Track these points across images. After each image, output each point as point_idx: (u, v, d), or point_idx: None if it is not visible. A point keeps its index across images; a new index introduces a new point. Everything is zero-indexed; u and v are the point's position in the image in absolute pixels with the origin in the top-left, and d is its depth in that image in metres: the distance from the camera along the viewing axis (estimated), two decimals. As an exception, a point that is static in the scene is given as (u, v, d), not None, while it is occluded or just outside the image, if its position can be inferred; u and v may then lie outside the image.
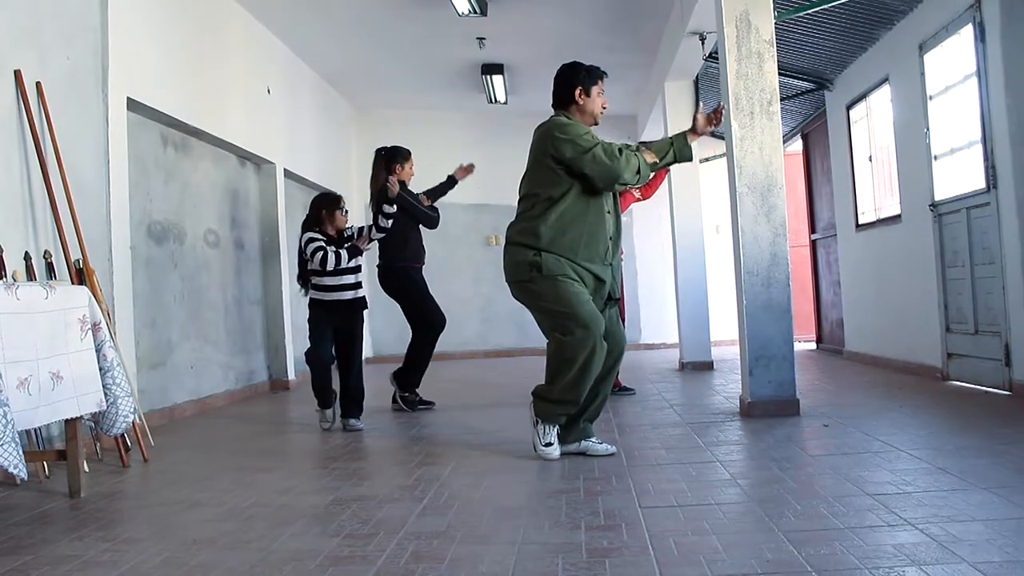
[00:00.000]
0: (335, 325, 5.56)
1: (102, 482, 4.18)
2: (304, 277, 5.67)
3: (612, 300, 4.30)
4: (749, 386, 5.31)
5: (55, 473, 4.27)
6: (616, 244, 4.29)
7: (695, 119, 4.37)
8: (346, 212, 5.66)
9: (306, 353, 5.65)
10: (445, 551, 2.76)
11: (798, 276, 9.61)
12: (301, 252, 5.61)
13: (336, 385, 5.62)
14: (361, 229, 5.64)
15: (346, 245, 5.56)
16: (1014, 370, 5.59)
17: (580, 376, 4.05)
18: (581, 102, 4.35)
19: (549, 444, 4.20)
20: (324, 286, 5.55)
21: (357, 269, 5.63)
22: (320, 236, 5.54)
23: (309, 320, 5.64)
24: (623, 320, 5.07)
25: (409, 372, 6.41)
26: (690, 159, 4.35)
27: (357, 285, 5.62)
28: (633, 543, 2.77)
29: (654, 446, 4.50)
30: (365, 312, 5.77)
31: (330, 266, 5.44)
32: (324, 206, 5.62)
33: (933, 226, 6.64)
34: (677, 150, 4.29)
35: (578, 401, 4.15)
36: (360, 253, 5.60)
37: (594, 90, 4.39)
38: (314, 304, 5.61)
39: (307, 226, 5.62)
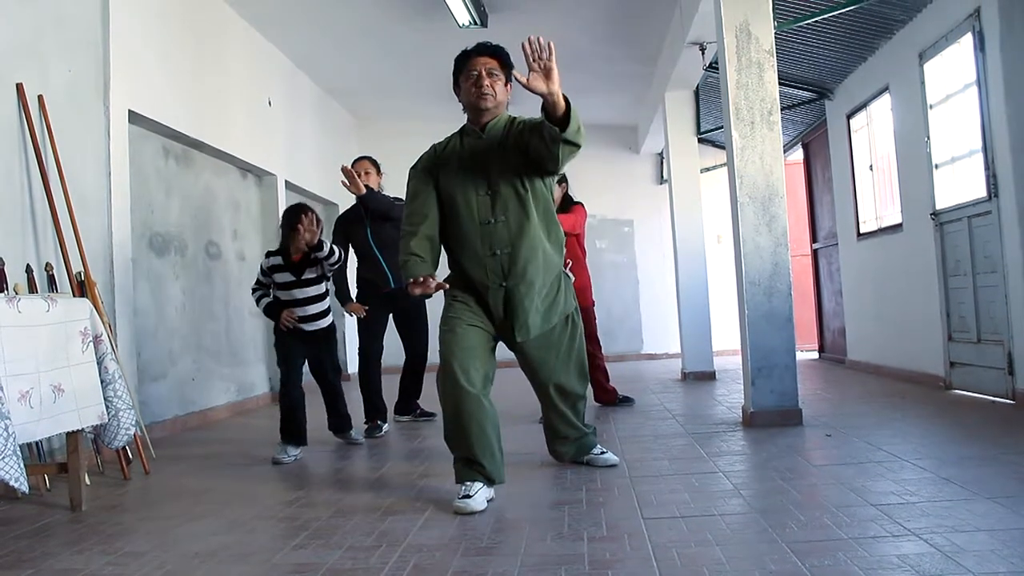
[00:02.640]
0: (303, 355, 5.20)
1: (103, 495, 4.17)
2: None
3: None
4: (751, 396, 5.30)
5: (56, 486, 4.26)
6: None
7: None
8: (315, 224, 5.01)
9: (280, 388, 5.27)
10: (448, 563, 2.74)
11: (800, 285, 9.63)
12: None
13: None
14: (334, 252, 5.11)
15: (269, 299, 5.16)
16: (1017, 379, 5.57)
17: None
18: (459, 99, 3.84)
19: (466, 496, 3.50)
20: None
21: (320, 298, 5.14)
22: (274, 263, 5.11)
23: (275, 347, 5.26)
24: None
25: (408, 400, 6.38)
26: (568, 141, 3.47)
27: (318, 316, 5.14)
28: (636, 554, 2.75)
29: (656, 457, 4.47)
30: (334, 336, 5.31)
31: (260, 307, 5.20)
32: (282, 226, 5.14)
33: (934, 235, 6.63)
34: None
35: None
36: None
37: (461, 80, 3.76)
38: (277, 332, 5.20)
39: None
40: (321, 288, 5.14)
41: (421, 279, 3.55)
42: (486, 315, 3.78)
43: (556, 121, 3.37)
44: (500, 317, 3.76)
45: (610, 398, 6.60)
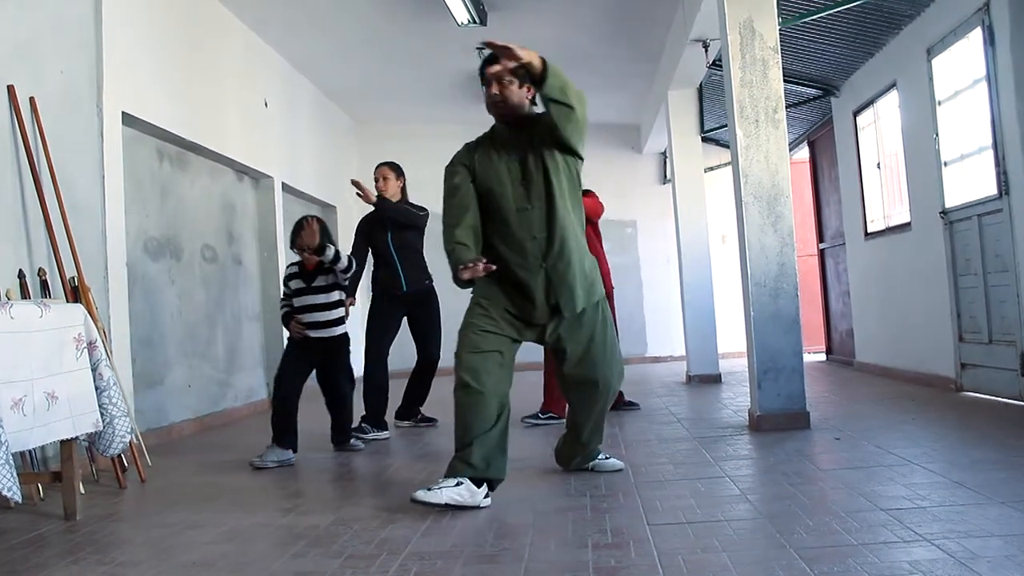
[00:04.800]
0: (309, 361, 5.25)
1: (98, 504, 4.13)
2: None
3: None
4: (758, 399, 5.25)
5: (50, 495, 4.22)
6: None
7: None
8: (317, 230, 5.09)
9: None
10: (450, 572, 2.72)
11: (806, 286, 9.56)
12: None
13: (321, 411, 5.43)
14: (340, 258, 5.17)
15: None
16: (1029, 379, 5.51)
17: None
18: None
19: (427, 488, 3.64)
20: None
21: (329, 306, 5.20)
22: (291, 271, 5.28)
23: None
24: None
25: (411, 405, 6.39)
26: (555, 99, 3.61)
27: (328, 324, 5.19)
28: (642, 561, 2.71)
29: (662, 461, 4.44)
30: (347, 346, 5.34)
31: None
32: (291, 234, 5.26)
33: (944, 234, 6.57)
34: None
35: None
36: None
37: (484, 92, 3.91)
38: (289, 342, 5.34)
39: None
40: (331, 296, 5.23)
41: (470, 263, 3.65)
42: (513, 318, 3.86)
43: (537, 82, 3.61)
44: (542, 303, 3.82)
45: (616, 399, 6.54)
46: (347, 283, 5.37)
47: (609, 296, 6.16)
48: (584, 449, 4.21)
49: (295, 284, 5.24)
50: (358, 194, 5.80)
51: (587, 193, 6.31)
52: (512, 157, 3.85)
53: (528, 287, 3.81)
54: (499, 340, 3.81)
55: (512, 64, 3.55)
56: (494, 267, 3.72)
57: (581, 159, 3.94)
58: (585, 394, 4.03)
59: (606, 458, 4.25)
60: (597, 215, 6.39)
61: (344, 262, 5.15)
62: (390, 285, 6.09)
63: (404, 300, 6.11)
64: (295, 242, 5.17)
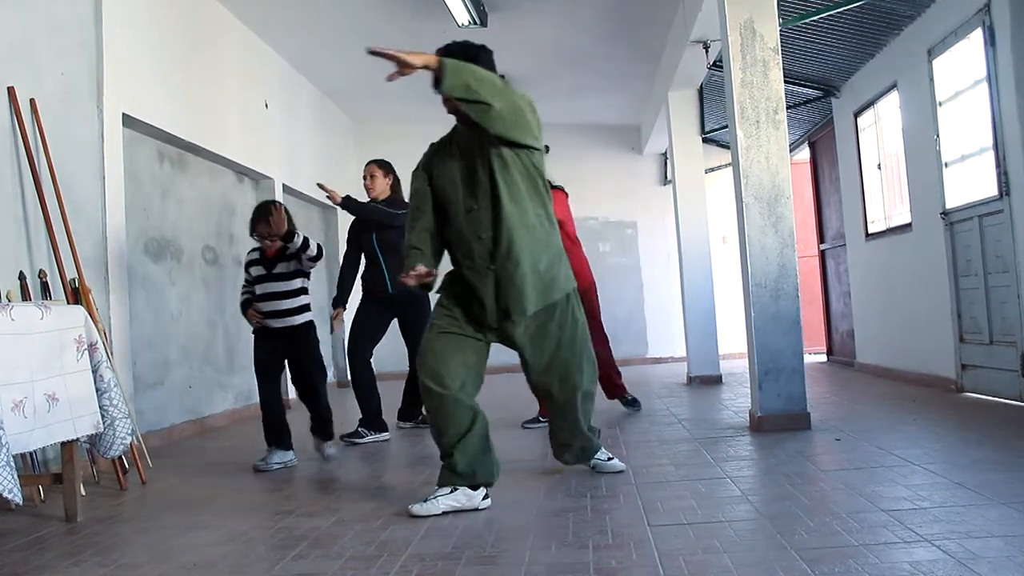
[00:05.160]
0: (277, 355, 5.10)
1: (99, 506, 4.13)
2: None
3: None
4: (759, 400, 5.24)
5: (51, 497, 4.23)
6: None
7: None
8: (286, 216, 4.91)
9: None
10: (450, 574, 2.71)
11: (807, 287, 9.56)
12: None
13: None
14: (309, 245, 4.96)
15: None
16: (1030, 380, 5.51)
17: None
18: None
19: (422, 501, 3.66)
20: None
21: (290, 294, 5.04)
22: (252, 257, 5.12)
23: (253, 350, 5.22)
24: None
25: (412, 407, 6.36)
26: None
27: (289, 312, 5.02)
28: (642, 562, 2.71)
29: (662, 462, 4.43)
30: (312, 334, 5.16)
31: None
32: (251, 219, 5.03)
33: (945, 234, 6.57)
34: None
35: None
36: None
37: None
38: (254, 334, 5.18)
39: None
40: (293, 284, 5.05)
41: (412, 270, 3.62)
42: (476, 319, 3.77)
43: (435, 85, 3.45)
44: (492, 305, 3.71)
45: (621, 392, 6.53)
46: (311, 269, 5.11)
47: (590, 290, 6.10)
48: (571, 449, 4.13)
49: (256, 271, 5.07)
50: (327, 196, 5.68)
51: (554, 189, 6.17)
52: (460, 155, 3.76)
53: (478, 289, 3.72)
54: (461, 340, 3.73)
55: (406, 72, 3.42)
56: (436, 271, 3.70)
57: (538, 149, 3.76)
58: (554, 403, 4.00)
59: (609, 459, 4.21)
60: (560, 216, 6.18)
61: (313, 249, 4.94)
62: (376, 286, 5.99)
63: (391, 302, 5.97)
64: (257, 229, 4.94)
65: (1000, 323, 5.86)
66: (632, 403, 6.59)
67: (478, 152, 3.69)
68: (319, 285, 9.75)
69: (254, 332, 5.15)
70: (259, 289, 5.07)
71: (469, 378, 3.71)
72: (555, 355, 3.85)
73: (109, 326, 5.27)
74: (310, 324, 5.14)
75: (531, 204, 3.74)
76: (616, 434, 5.40)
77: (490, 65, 3.76)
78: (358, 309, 6.08)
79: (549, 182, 6.17)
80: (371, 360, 6.04)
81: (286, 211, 4.96)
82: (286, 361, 5.14)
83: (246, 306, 5.12)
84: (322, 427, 5.15)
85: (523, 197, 3.71)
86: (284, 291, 5.03)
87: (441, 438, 3.68)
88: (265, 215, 4.90)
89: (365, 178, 6.07)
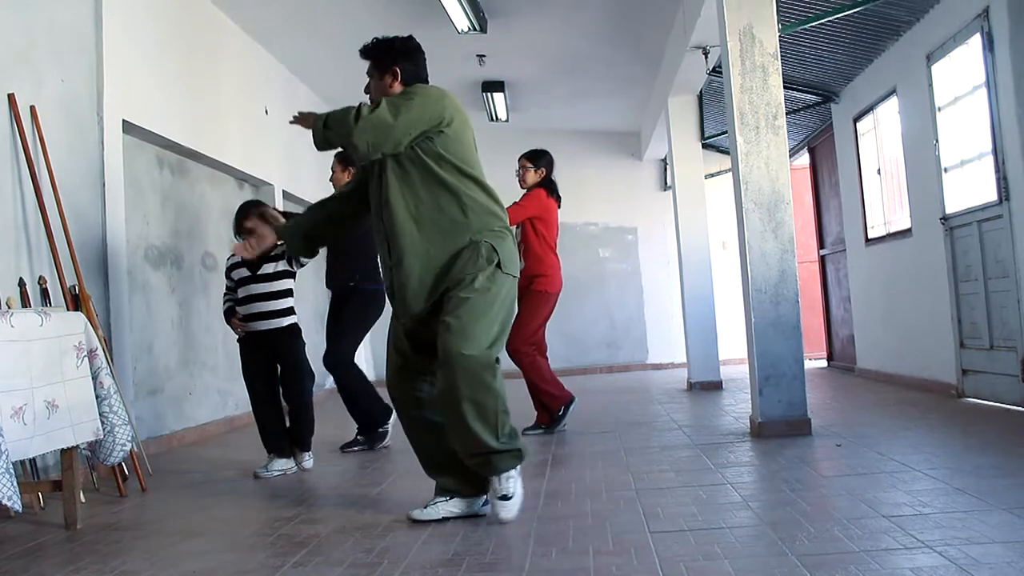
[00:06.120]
0: (266, 361, 5.04)
1: (99, 513, 4.12)
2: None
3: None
4: (759, 406, 5.24)
5: (51, 504, 4.22)
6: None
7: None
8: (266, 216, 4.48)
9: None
10: (449, 581, 2.71)
11: (807, 292, 9.56)
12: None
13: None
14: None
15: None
16: (1030, 385, 5.50)
17: None
18: None
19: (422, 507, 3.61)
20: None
21: (275, 295, 4.99)
22: (233, 261, 5.07)
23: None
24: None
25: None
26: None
27: (273, 314, 4.97)
28: (643, 569, 2.71)
29: (663, 468, 4.43)
30: (298, 337, 5.09)
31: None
32: (236, 220, 5.03)
33: (945, 240, 6.57)
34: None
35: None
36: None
37: None
38: (239, 343, 5.14)
39: None
40: (277, 285, 4.99)
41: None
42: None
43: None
44: (398, 303, 3.61)
45: (546, 419, 5.99)
46: (301, 268, 5.05)
47: (547, 293, 5.96)
48: (473, 457, 3.46)
49: (239, 274, 5.01)
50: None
51: (534, 188, 6.05)
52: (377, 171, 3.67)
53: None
54: (401, 351, 3.66)
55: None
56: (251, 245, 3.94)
57: (429, 135, 3.53)
58: (439, 380, 3.44)
59: (502, 497, 3.46)
60: (523, 216, 5.92)
61: None
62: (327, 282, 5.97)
63: (336, 298, 5.85)
64: (242, 228, 4.85)
65: (1000, 328, 5.86)
66: (559, 418, 6.00)
67: (373, 167, 3.64)
68: (318, 295, 9.72)
69: (239, 341, 5.12)
70: (242, 292, 5.02)
71: (422, 388, 3.63)
72: (444, 324, 3.38)
73: (109, 333, 5.26)
74: (295, 327, 5.10)
75: (432, 194, 3.51)
76: (616, 440, 5.39)
77: (408, 56, 4.04)
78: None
79: (552, 182, 6.14)
80: (352, 360, 5.73)
81: (273, 209, 4.82)
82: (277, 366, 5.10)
83: (230, 314, 5.10)
84: (301, 436, 5.09)
85: (421, 194, 3.51)
86: (270, 292, 4.99)
87: (420, 458, 3.76)
88: (250, 215, 4.81)
89: (332, 172, 5.92)
